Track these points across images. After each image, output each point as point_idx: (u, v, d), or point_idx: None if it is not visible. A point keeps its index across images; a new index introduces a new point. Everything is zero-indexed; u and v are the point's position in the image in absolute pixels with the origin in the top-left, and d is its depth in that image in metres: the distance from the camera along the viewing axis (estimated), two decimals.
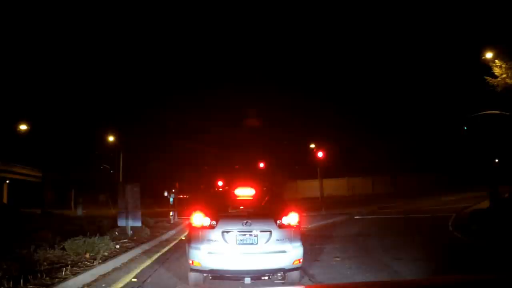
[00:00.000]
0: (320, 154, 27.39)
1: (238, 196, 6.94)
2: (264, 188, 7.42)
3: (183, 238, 12.36)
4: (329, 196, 35.02)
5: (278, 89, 57.04)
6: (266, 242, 5.97)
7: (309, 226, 15.80)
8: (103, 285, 6.68)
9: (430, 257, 8.38)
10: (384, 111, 48.47)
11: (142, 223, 12.78)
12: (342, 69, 57.60)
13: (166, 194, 23.78)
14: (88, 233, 9.28)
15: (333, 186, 41.30)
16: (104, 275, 7.25)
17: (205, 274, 6.21)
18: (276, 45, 67.43)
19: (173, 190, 23.93)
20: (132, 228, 12.06)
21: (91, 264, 7.55)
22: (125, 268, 8.05)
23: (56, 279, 6.30)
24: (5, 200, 43.54)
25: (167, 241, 12.63)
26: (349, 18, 55.73)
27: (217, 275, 6.21)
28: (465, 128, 27.27)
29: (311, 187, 39.42)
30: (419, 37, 49.26)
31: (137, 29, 59.87)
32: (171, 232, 14.63)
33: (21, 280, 5.93)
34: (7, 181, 46.09)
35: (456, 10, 27.63)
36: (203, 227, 6.10)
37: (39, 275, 6.29)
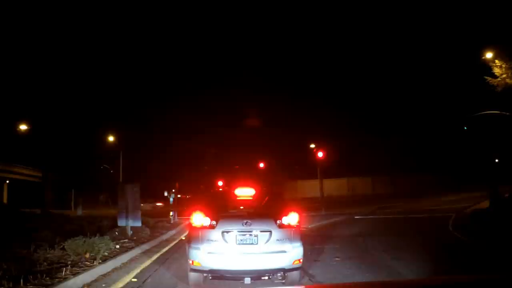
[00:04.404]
0: (320, 154, 27.42)
1: (238, 196, 6.93)
2: (264, 188, 7.42)
3: (183, 238, 12.37)
4: (329, 196, 35.03)
5: (278, 89, 57.12)
6: (266, 242, 5.97)
7: (309, 226, 15.80)
8: (103, 285, 6.68)
9: (430, 257, 8.38)
10: (384, 111, 48.53)
11: (142, 223, 12.79)
12: (342, 70, 57.66)
13: (166, 194, 23.75)
14: (88, 233, 9.28)
15: (333, 186, 41.31)
16: (104, 275, 7.24)
17: (205, 274, 6.20)
18: (276, 45, 67.47)
19: (173, 190, 23.88)
20: (132, 228, 12.07)
21: (91, 264, 7.54)
22: (125, 268, 8.05)
23: (56, 279, 6.30)
24: (5, 200, 43.61)
25: (167, 241, 12.63)
26: (349, 18, 55.74)
27: (217, 275, 6.20)
28: (465, 128, 27.25)
29: (311, 187, 39.43)
30: (419, 37, 49.27)
31: (137, 30, 59.90)
32: (171, 232, 14.63)
33: (21, 280, 5.92)
34: (7, 181, 46.15)
35: (456, 10, 27.63)
36: (203, 227, 6.09)
37: (39, 275, 6.28)
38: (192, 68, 62.73)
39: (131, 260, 8.87)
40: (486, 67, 16.87)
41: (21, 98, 30.42)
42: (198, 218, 6.19)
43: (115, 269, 7.80)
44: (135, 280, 7.05)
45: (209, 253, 5.93)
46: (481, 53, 17.15)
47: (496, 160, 32.86)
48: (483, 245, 10.43)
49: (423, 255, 8.61)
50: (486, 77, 16.68)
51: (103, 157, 42.77)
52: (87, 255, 8.00)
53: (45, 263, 7.37)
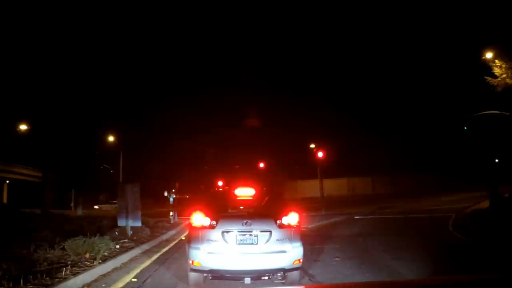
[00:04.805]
0: (320, 154, 27.41)
1: (238, 196, 6.93)
2: (264, 188, 7.41)
3: (183, 238, 12.37)
4: (329, 196, 35.03)
5: (278, 89, 57.12)
6: (266, 242, 5.97)
7: (309, 226, 15.80)
8: (103, 285, 6.68)
9: (430, 257, 8.38)
10: (384, 111, 48.56)
11: (142, 223, 12.79)
12: (342, 70, 57.67)
13: (166, 194, 23.76)
14: (88, 233, 9.27)
15: (333, 186, 41.31)
16: (104, 275, 7.24)
17: (205, 274, 6.20)
18: (276, 45, 67.46)
19: (173, 190, 23.89)
20: (132, 228, 12.07)
21: (91, 264, 7.54)
22: (125, 268, 8.05)
23: (56, 279, 6.30)
24: (5, 200, 43.61)
25: (167, 241, 12.63)
26: (349, 18, 55.74)
27: (217, 275, 6.20)
28: (465, 128, 27.26)
29: (311, 187, 39.43)
30: (419, 37, 49.27)
31: (137, 30, 59.89)
32: (171, 232, 14.63)
33: (21, 280, 5.92)
34: (7, 181, 46.17)
35: (456, 10, 27.63)
36: (203, 227, 6.09)
37: (39, 275, 6.28)
38: (192, 68, 62.77)
39: (131, 260, 8.86)
40: (486, 67, 16.87)
41: (21, 98, 30.43)
42: (198, 218, 6.19)
43: (115, 269, 7.80)
44: (135, 280, 7.05)
45: (209, 253, 5.93)
46: (481, 53, 17.14)
47: (496, 160, 32.87)
48: (483, 245, 10.43)
49: (423, 255, 8.61)
50: (486, 77, 16.67)
51: (103, 157, 42.80)
52: (87, 255, 8.00)
53: (45, 263, 7.37)
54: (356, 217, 20.93)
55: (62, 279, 6.32)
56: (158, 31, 60.20)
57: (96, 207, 42.11)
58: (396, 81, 48.02)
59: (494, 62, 16.57)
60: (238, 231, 5.97)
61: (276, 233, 6.02)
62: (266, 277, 6.15)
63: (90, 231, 10.29)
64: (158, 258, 9.30)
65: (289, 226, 6.14)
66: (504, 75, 16.27)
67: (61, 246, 8.50)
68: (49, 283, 6.05)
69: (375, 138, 44.80)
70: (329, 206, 26.41)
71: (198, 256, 5.97)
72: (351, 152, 44.92)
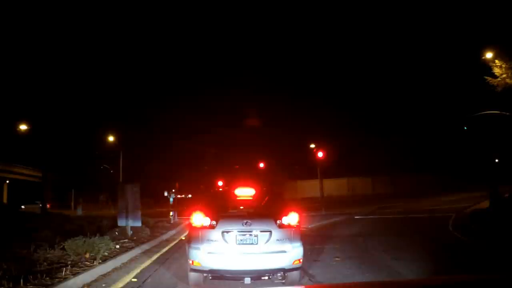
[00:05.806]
0: (320, 154, 27.42)
1: (238, 196, 6.93)
2: (264, 188, 7.42)
3: (183, 238, 12.37)
4: (329, 196, 35.03)
5: (278, 89, 57.14)
6: (266, 242, 5.97)
7: (309, 226, 15.80)
8: (103, 285, 6.68)
9: (430, 257, 8.38)
10: (384, 111, 48.58)
11: (142, 223, 12.79)
12: (342, 70, 57.67)
13: (166, 194, 23.80)
14: (88, 233, 9.28)
15: (333, 186, 41.30)
16: (104, 275, 7.24)
17: (205, 274, 6.20)
18: (276, 45, 67.46)
19: (173, 190, 23.94)
20: (132, 228, 12.07)
21: (91, 264, 7.55)
22: (125, 268, 8.05)
23: (56, 279, 6.30)
24: (5, 200, 43.65)
25: (167, 241, 12.63)
26: (349, 18, 55.74)
27: (217, 275, 6.20)
28: (465, 128, 27.24)
29: (311, 187, 39.44)
30: (419, 37, 49.27)
31: (137, 30, 59.89)
32: (171, 232, 14.63)
33: (21, 280, 5.92)
34: (7, 181, 46.20)
35: (456, 10, 27.63)
36: (203, 227, 6.09)
37: (39, 275, 6.28)
38: (192, 68, 62.81)
39: (131, 260, 8.87)
40: (486, 67, 16.84)
41: (21, 98, 30.41)
42: (198, 218, 6.19)
43: (115, 269, 7.80)
44: (135, 280, 7.05)
45: (209, 253, 5.93)
46: (481, 53, 17.13)
47: (496, 160, 32.86)
48: (483, 245, 10.43)
49: (423, 255, 8.61)
50: (486, 77, 16.65)
51: (103, 157, 42.83)
52: (87, 255, 8.00)
53: (45, 263, 7.37)
54: (356, 217, 20.93)
55: (62, 279, 6.32)
56: (157, 31, 60.22)
57: (23, 206, 41.91)
58: (396, 81, 48.07)
59: (494, 62, 16.55)
60: (238, 231, 5.97)
61: (276, 233, 6.02)
62: (266, 277, 6.15)
63: (90, 231, 10.29)
64: (158, 258, 9.30)
65: (289, 226, 6.14)
66: (504, 75, 16.25)
67: (61, 246, 8.50)
68: (49, 283, 6.06)
69: (375, 138, 44.82)
70: (329, 206, 26.42)
71: (198, 256, 5.97)
72: (351, 152, 44.94)
